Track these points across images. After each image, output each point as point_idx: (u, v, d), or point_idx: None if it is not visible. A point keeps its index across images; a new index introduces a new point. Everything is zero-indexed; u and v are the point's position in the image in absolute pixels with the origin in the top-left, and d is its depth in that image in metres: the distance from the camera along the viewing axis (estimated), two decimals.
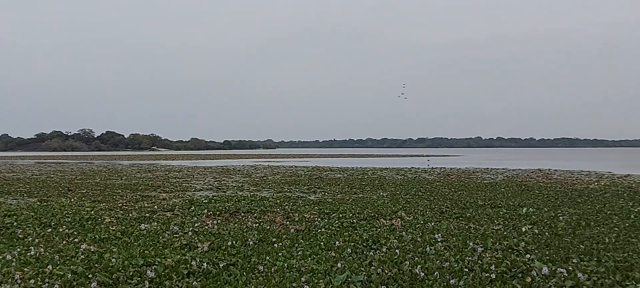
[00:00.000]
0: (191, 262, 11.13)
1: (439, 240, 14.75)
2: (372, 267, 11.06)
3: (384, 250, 13.37)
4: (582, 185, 37.85)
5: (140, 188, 34.76)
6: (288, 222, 18.56)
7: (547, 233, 16.40)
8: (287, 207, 23.30)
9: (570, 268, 11.04)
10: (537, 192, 32.03)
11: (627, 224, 18.44)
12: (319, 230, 16.62)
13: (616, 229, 17.35)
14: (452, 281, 9.94)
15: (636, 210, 22.76)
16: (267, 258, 12.26)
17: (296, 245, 14.14)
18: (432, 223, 18.34)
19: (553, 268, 10.79)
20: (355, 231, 16.51)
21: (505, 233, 16.27)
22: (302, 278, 10.15)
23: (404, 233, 15.99)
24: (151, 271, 10.17)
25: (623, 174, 51.82)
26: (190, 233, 15.78)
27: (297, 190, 33.80)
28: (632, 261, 12.15)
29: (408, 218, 19.54)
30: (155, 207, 23.04)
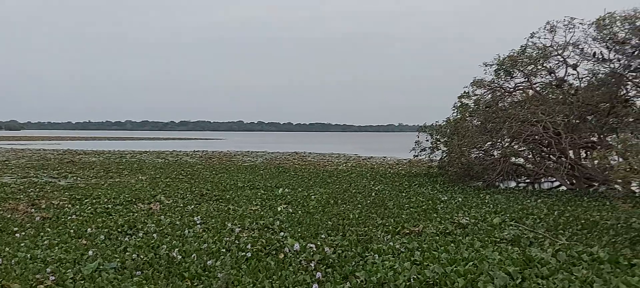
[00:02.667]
0: None
1: (198, 222, 14.77)
2: (127, 253, 10.64)
3: (141, 235, 12.98)
4: (332, 167, 41.01)
5: None
6: (33, 210, 16.95)
7: (300, 211, 17.44)
8: (32, 193, 21.31)
9: (318, 243, 11.89)
10: (293, 173, 33.91)
11: (368, 201, 20.47)
12: (69, 218, 15.48)
13: (359, 206, 19.16)
14: (209, 262, 10.02)
15: (376, 188, 25.39)
16: (7, 249, 11.05)
17: (42, 233, 12.99)
18: (192, 206, 18.29)
19: (304, 244, 11.50)
20: (110, 216, 15.75)
21: (262, 213, 16.91)
22: (47, 269, 9.35)
23: (162, 217, 15.68)
24: None
25: (367, 156, 57.38)
26: None
27: (46, 175, 31.06)
28: (371, 234, 13.53)
29: (167, 202, 19.22)
30: None
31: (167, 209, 17.53)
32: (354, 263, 10.31)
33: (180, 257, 10.40)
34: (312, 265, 10.06)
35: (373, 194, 22.84)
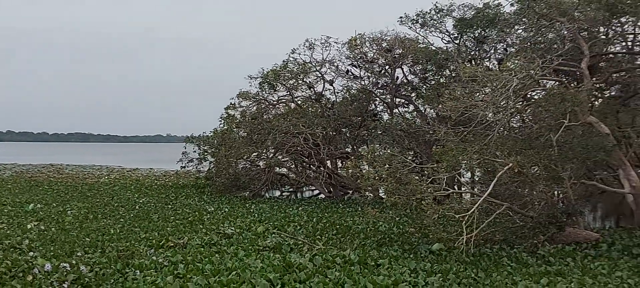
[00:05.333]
0: None
1: None
2: None
3: None
4: (93, 179, 38.49)
5: None
6: None
7: (53, 228, 16.04)
8: None
9: (74, 261, 11.03)
10: (47, 187, 31.05)
11: (131, 215, 19.62)
12: None
13: (122, 220, 18.27)
14: None
15: (141, 201, 24.46)
16: None
17: None
18: None
19: (56, 264, 10.57)
20: None
21: (8, 231, 15.19)
22: None
23: None
24: None
25: (132, 168, 54.98)
26: None
27: None
28: (133, 249, 12.96)
29: None
30: None
31: None
32: (112, 281, 9.78)
33: None
34: (65, 285, 9.29)
35: (137, 207, 21.97)
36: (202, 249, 13.05)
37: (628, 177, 18.11)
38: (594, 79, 20.88)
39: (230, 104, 32.53)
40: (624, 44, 21.95)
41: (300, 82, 31.00)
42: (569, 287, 9.54)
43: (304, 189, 32.24)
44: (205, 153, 33.77)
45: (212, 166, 32.28)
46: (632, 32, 21.35)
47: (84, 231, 15.76)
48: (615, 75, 23.22)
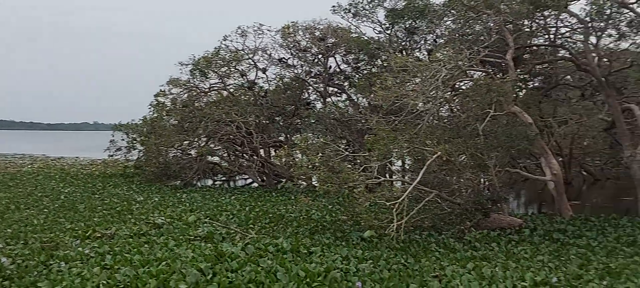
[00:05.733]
0: None
1: None
2: None
3: None
4: (15, 169, 36.86)
5: None
6: None
7: None
8: None
9: None
10: None
11: (56, 205, 18.92)
12: None
13: (46, 210, 17.59)
14: None
15: (66, 190, 23.62)
16: None
17: None
18: None
19: None
20: None
21: None
22: None
23: None
24: None
25: (57, 157, 52.94)
26: None
27: None
28: (58, 240, 12.50)
29: None
30: None
31: None
32: (36, 273, 9.39)
33: None
34: None
35: (62, 197, 21.18)
36: (131, 240, 12.73)
37: (549, 165, 18.95)
38: (519, 70, 21.68)
39: (160, 91, 31.81)
40: (546, 36, 22.89)
41: (232, 69, 30.66)
42: (493, 271, 9.88)
43: (237, 178, 32.00)
44: (134, 142, 32.97)
45: (141, 155, 31.56)
46: (554, 25, 22.30)
47: (5, 222, 15.09)
48: (538, 66, 24.22)
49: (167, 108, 31.53)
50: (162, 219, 15.63)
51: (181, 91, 31.35)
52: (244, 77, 31.06)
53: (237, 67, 30.66)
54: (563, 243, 14.56)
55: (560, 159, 29.49)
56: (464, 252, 12.86)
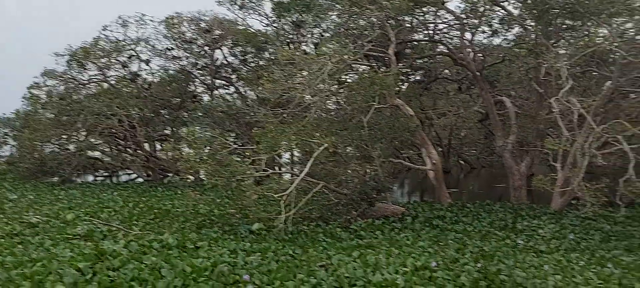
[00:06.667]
0: None
1: None
2: None
3: None
4: None
5: None
6: None
7: None
8: None
9: None
10: None
11: None
12: None
13: None
14: None
15: None
16: None
17: None
18: None
19: None
20: None
21: None
22: None
23: None
24: None
25: None
26: None
27: None
28: None
29: None
30: None
31: None
32: None
33: None
34: None
35: None
36: (3, 240, 11.84)
37: (430, 155, 19.90)
38: (400, 64, 22.57)
39: (34, 83, 29.86)
40: (426, 32, 23.98)
41: (113, 60, 29.35)
42: (377, 258, 10.20)
43: (121, 173, 30.83)
44: (6, 137, 30.89)
45: (14, 150, 29.63)
46: (433, 21, 23.40)
47: None
48: (419, 61, 25.35)
49: (43, 101, 29.67)
50: (37, 218, 14.70)
51: (57, 83, 29.60)
52: (126, 68, 29.85)
53: (118, 58, 29.40)
54: (442, 229, 15.37)
55: (440, 149, 31.15)
56: (350, 240, 13.19)
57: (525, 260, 11.06)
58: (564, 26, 20.62)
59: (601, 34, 19.55)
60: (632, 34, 17.44)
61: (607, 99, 18.11)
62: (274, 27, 27.76)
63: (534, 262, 10.85)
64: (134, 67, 29.92)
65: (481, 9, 21.43)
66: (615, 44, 17.02)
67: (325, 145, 15.55)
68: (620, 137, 15.62)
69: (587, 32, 20.40)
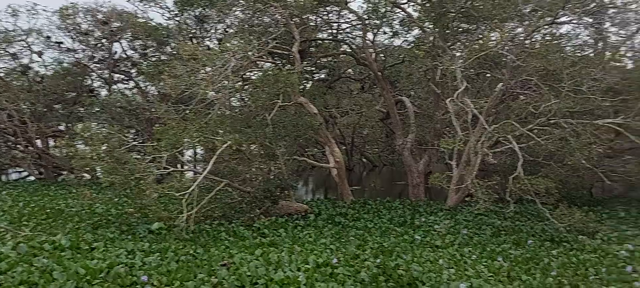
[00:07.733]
0: None
1: None
2: None
3: None
4: None
5: None
6: None
7: None
8: None
9: None
10: None
11: None
12: None
13: None
14: None
15: None
16: None
17: None
18: None
19: None
20: None
21: None
22: None
23: None
24: None
25: None
26: None
27: None
28: None
29: None
30: None
31: None
32: None
33: None
34: None
35: None
36: None
37: (333, 153, 20.15)
38: (305, 62, 22.71)
39: None
40: (330, 31, 24.29)
41: (2, 52, 27.52)
42: (280, 256, 10.22)
43: (10, 171, 28.94)
44: None
45: None
46: (337, 21, 23.74)
47: None
48: (323, 59, 25.60)
49: None
50: None
51: None
52: (17, 60, 28.08)
53: (7, 50, 27.60)
54: (344, 226, 15.65)
55: (343, 147, 31.66)
56: (253, 239, 13.15)
57: (422, 254, 11.49)
58: (460, 29, 21.57)
59: (494, 38, 20.62)
60: (522, 38, 18.46)
61: (499, 100, 19.12)
62: (177, 21, 27.05)
63: (431, 257, 11.30)
64: (25, 60, 28.21)
65: (382, 10, 21.96)
66: (507, 48, 18.03)
67: (229, 142, 15.39)
68: (510, 136, 16.58)
69: (481, 36, 21.46)
